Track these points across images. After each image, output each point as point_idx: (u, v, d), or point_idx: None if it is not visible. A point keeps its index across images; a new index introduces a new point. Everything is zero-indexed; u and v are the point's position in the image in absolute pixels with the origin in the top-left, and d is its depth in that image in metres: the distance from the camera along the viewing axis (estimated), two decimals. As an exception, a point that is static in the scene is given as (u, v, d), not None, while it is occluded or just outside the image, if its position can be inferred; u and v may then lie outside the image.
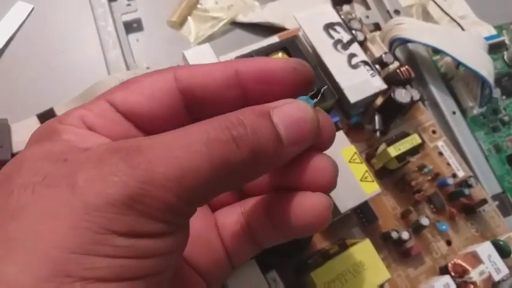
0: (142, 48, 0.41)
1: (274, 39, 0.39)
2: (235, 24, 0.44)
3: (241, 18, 0.43)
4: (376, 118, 0.36)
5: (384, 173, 0.35)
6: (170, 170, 0.15)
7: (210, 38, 0.42)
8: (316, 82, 0.33)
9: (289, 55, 0.34)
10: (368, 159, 0.36)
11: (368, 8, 0.45)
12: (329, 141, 0.20)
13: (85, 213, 0.14)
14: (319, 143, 0.19)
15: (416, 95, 0.36)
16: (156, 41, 0.42)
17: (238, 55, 0.34)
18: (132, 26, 0.42)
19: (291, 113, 0.17)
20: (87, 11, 0.39)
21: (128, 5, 0.41)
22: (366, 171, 0.31)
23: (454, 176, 0.37)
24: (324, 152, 0.20)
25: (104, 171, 0.15)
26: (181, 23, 0.42)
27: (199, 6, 0.43)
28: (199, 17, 0.43)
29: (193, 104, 0.19)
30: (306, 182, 0.19)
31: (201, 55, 0.35)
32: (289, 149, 0.17)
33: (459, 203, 0.36)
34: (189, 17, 0.43)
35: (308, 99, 0.19)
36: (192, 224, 0.21)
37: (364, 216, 0.34)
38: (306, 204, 0.19)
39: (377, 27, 0.45)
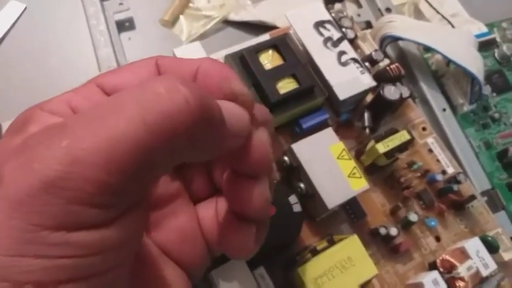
0: (134, 47, 0.41)
1: (265, 37, 0.39)
2: (227, 22, 0.44)
3: (233, 17, 0.43)
4: (366, 115, 0.36)
5: (373, 170, 0.35)
6: (97, 142, 0.13)
7: (202, 37, 0.43)
8: (306, 79, 0.34)
9: (280, 53, 0.35)
10: (357, 156, 0.36)
11: (360, 6, 0.46)
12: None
13: (11, 208, 0.13)
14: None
15: (405, 92, 0.36)
16: (148, 40, 0.42)
17: (230, 53, 0.35)
18: (125, 25, 0.42)
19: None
20: (79, 10, 0.40)
21: (120, 3, 0.41)
22: (354, 167, 0.31)
23: (444, 172, 0.37)
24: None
25: (26, 158, 0.13)
26: (173, 21, 0.43)
27: (191, 5, 0.44)
28: (191, 15, 0.43)
29: None
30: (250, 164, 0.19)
31: (191, 53, 0.35)
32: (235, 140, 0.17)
33: (448, 199, 0.36)
34: (181, 16, 0.43)
35: None
36: (178, 219, 0.21)
37: (352, 212, 0.34)
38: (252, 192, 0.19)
39: (369, 25, 0.45)
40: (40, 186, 0.12)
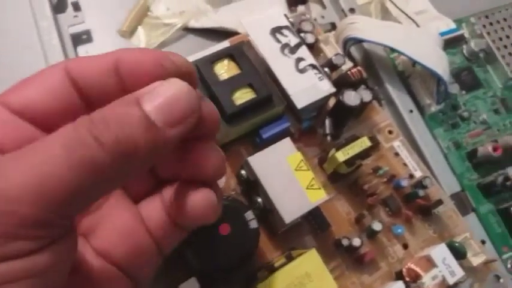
0: (92, 60, 0.40)
1: (225, 44, 0.38)
2: (188, 30, 0.43)
3: (194, 24, 0.42)
4: (327, 122, 0.35)
5: (336, 177, 0.35)
6: (26, 179, 0.14)
7: (162, 45, 0.42)
8: (263, 88, 0.33)
9: (236, 62, 0.34)
10: (321, 164, 0.35)
11: (324, 7, 0.45)
12: (214, 129, 0.20)
13: None
14: (204, 130, 0.19)
15: (367, 97, 0.35)
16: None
17: (190, 61, 0.33)
18: (81, 38, 0.41)
19: (162, 93, 0.17)
20: (31, 24, 0.38)
21: (75, 16, 0.40)
22: (313, 178, 0.30)
23: (411, 176, 0.36)
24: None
25: None
26: (132, 31, 0.42)
27: (150, 13, 0.43)
28: (150, 24, 0.42)
29: (86, 96, 0.19)
30: (194, 171, 0.20)
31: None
32: (170, 133, 0.17)
33: (416, 204, 0.35)
34: (139, 26, 0.42)
35: None
36: (115, 221, 0.20)
37: (316, 223, 0.33)
38: (195, 200, 0.20)
39: (333, 26, 0.44)
40: None
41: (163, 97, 0.17)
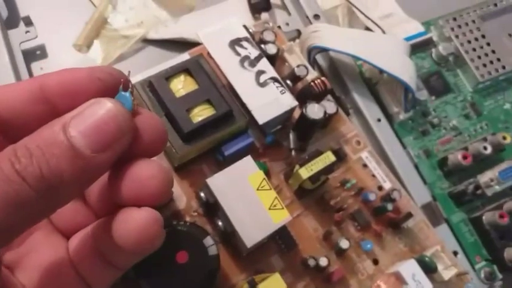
0: (46, 76, 0.38)
1: (185, 56, 0.37)
2: (147, 41, 0.41)
3: (153, 35, 0.41)
4: (291, 136, 0.34)
5: (302, 193, 0.33)
6: None
7: (120, 59, 0.40)
8: (223, 104, 0.31)
9: (193, 77, 0.32)
10: (286, 179, 0.34)
11: (289, 13, 0.43)
12: (156, 145, 0.18)
13: None
14: (145, 146, 0.18)
15: (331, 109, 0.34)
16: (62, 67, 0.39)
17: (150, 74, 0.32)
18: (35, 54, 0.39)
19: (89, 117, 0.16)
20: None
21: (27, 31, 0.38)
22: (275, 198, 0.29)
23: (381, 188, 0.35)
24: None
25: None
26: (88, 45, 0.40)
27: (108, 26, 0.41)
28: (107, 37, 0.40)
29: (5, 128, 0.18)
30: (132, 194, 0.17)
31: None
32: (99, 158, 0.16)
33: (386, 217, 0.34)
34: (96, 39, 0.40)
35: (128, 96, 0.18)
36: (40, 257, 0.19)
37: (283, 242, 0.32)
38: (129, 226, 0.17)
39: (299, 33, 0.43)
40: None
41: (90, 120, 0.16)
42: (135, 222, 0.17)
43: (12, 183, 0.15)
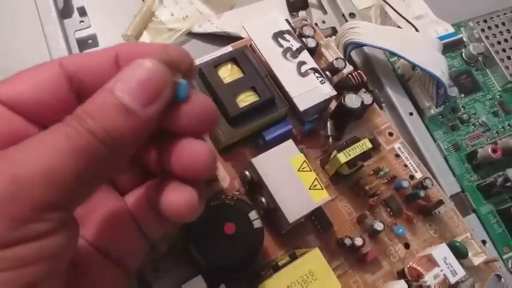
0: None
1: (228, 48, 0.39)
2: (191, 34, 0.43)
3: (197, 29, 0.43)
4: (328, 124, 0.36)
5: (338, 179, 0.35)
6: (36, 167, 0.15)
7: (166, 51, 0.42)
8: (266, 91, 0.33)
9: (239, 66, 0.34)
10: (323, 166, 0.36)
11: (325, 12, 0.45)
12: (207, 123, 0.20)
13: None
14: (197, 125, 0.20)
15: (367, 100, 0.35)
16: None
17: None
18: (87, 43, 0.42)
19: (131, 77, 0.18)
20: (38, 29, 0.39)
21: (81, 21, 0.41)
22: (315, 179, 0.31)
23: (412, 177, 0.37)
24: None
25: None
26: (136, 36, 0.42)
27: (155, 18, 0.43)
28: (154, 29, 0.43)
29: (81, 89, 0.19)
30: (182, 166, 0.19)
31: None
32: (146, 113, 0.18)
33: (417, 204, 0.36)
34: (144, 30, 0.43)
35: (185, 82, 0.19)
36: (103, 211, 0.22)
37: (319, 223, 0.34)
38: (173, 199, 0.19)
39: (334, 31, 0.45)
40: None
41: (134, 80, 0.18)
42: (177, 199, 0.19)
43: (84, 138, 0.16)
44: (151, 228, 0.22)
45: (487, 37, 0.45)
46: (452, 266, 0.32)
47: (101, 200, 0.22)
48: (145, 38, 0.42)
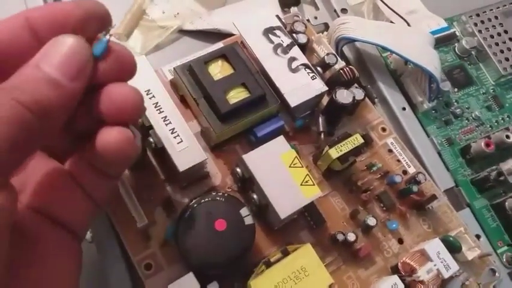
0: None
1: (219, 45, 0.38)
2: (182, 32, 0.43)
3: (189, 26, 0.43)
4: (320, 120, 0.35)
5: (331, 174, 0.35)
6: None
7: (157, 48, 0.42)
8: (257, 87, 0.33)
9: (229, 62, 0.34)
10: (315, 161, 0.35)
11: (317, 8, 0.45)
12: (129, 67, 0.21)
13: None
14: (119, 71, 0.21)
15: (359, 95, 0.35)
16: (103, 55, 0.41)
17: (178, 65, 0.34)
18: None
19: (57, 53, 0.19)
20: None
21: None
22: (307, 175, 0.31)
23: (405, 172, 0.37)
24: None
25: None
26: (127, 34, 0.42)
27: (146, 17, 0.43)
28: (146, 27, 0.43)
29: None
30: (110, 109, 0.20)
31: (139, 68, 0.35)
32: (74, 85, 0.19)
33: (410, 200, 0.36)
34: (135, 28, 0.42)
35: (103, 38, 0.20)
36: (42, 177, 0.22)
37: (312, 219, 0.33)
38: (109, 137, 0.20)
39: (327, 27, 0.44)
40: None
41: (60, 56, 0.19)
42: (111, 135, 0.20)
43: (14, 108, 0.17)
44: (94, 187, 0.23)
45: (479, 31, 0.44)
46: (445, 261, 0.32)
47: (40, 166, 0.23)
48: (137, 35, 0.42)
